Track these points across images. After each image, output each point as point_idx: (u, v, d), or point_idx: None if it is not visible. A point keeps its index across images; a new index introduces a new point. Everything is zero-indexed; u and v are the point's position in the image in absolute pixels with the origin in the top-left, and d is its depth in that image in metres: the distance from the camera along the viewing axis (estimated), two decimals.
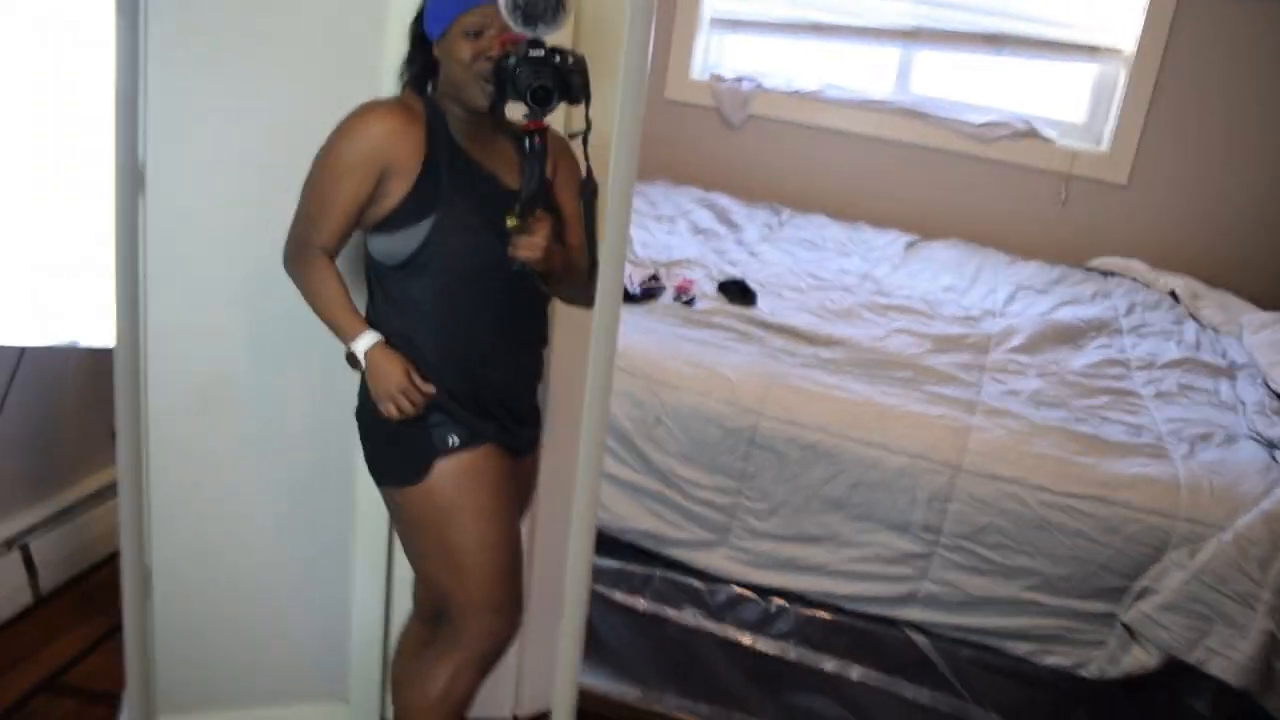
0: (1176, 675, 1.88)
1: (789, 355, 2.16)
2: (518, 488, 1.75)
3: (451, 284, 1.57)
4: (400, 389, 1.56)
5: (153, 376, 1.72)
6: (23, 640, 2.60)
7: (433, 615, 1.88)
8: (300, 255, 1.57)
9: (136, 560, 0.89)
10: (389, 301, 1.59)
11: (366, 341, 1.57)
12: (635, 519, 1.99)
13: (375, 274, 1.60)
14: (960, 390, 2.12)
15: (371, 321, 1.61)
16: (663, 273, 2.56)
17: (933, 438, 1.90)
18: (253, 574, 2.18)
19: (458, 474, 1.62)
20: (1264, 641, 1.75)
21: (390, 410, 1.57)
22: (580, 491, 1.00)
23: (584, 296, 1.64)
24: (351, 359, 1.58)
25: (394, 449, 1.64)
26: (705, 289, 2.51)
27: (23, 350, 2.41)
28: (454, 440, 1.60)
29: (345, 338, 1.58)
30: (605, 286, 1.25)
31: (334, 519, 2.12)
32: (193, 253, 1.75)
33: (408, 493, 1.63)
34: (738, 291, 2.51)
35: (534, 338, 1.70)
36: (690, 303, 2.41)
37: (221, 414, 2.02)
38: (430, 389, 1.58)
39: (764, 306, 2.45)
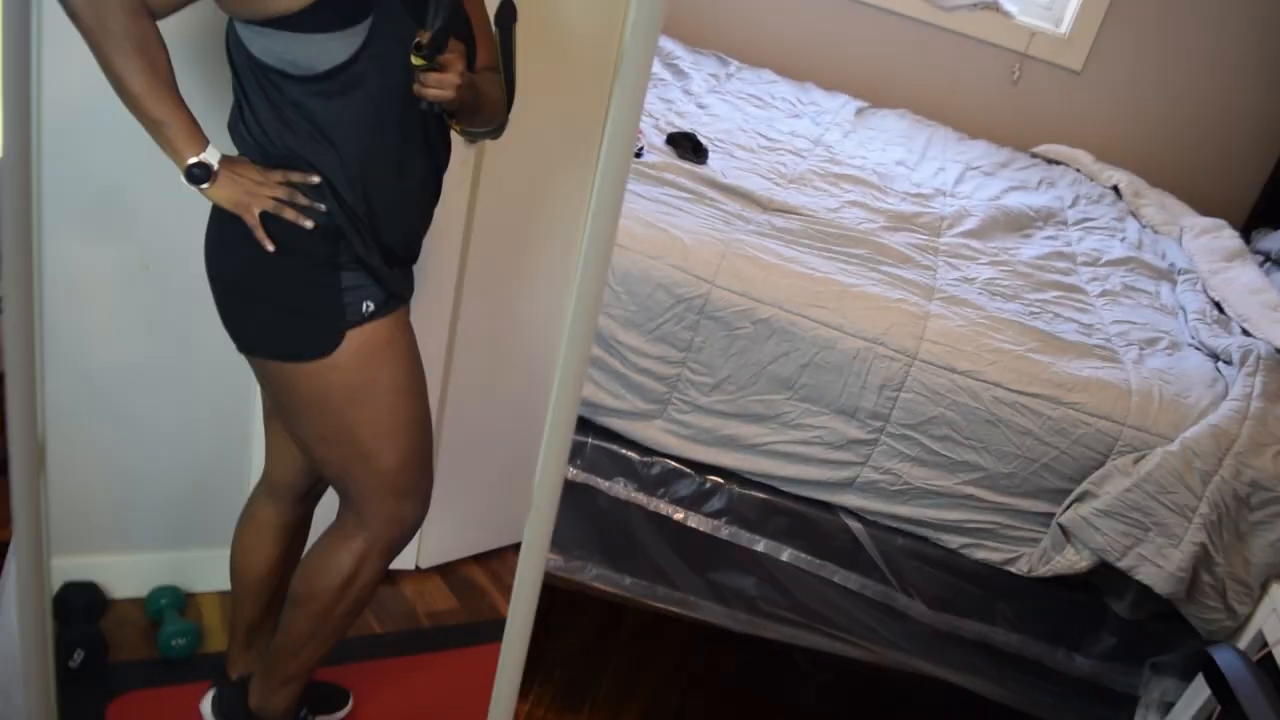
0: (1101, 577, 1.89)
1: (744, 222, 2.03)
2: None
3: (381, 107, 1.34)
4: (282, 195, 1.33)
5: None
6: None
7: (299, 496, 1.72)
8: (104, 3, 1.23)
9: (29, 437, 0.74)
10: (284, 122, 1.33)
11: (215, 151, 1.31)
12: None
13: (265, 85, 1.32)
14: (917, 274, 2.04)
15: (244, 145, 1.37)
16: None
17: (891, 322, 1.82)
18: (150, 416, 2.02)
19: (373, 346, 1.43)
20: (1195, 553, 1.75)
21: (263, 236, 1.33)
22: (561, 388, 0.88)
23: (494, 131, 1.47)
24: (197, 173, 1.31)
25: (287, 315, 1.41)
26: (653, 140, 2.35)
27: None
28: (369, 307, 1.41)
29: (182, 146, 1.30)
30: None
31: (239, 358, 1.96)
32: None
33: (307, 369, 1.41)
34: (689, 146, 2.36)
35: (442, 174, 1.50)
36: (638, 154, 2.25)
37: (119, 237, 1.82)
38: (320, 206, 1.35)
39: (715, 164, 2.30)
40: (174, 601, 2.10)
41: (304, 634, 1.66)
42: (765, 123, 2.74)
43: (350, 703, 2.02)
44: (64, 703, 1.85)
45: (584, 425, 1.91)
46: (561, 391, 0.88)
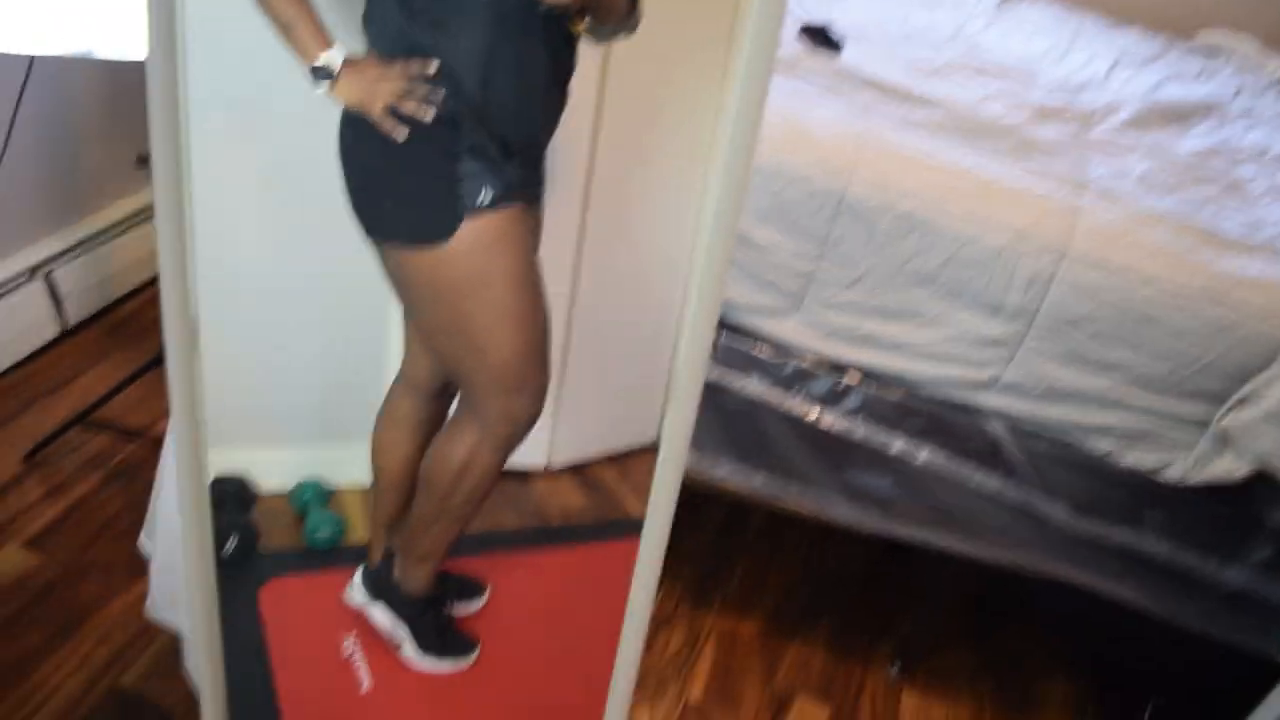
0: (1262, 485, 1.80)
1: (880, 114, 1.95)
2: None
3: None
4: (404, 89, 1.34)
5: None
6: (52, 372, 2.53)
7: (434, 391, 1.75)
8: None
9: (181, 314, 0.75)
10: (409, 12, 1.35)
11: (340, 51, 1.34)
12: None
13: None
14: (1067, 167, 1.93)
15: (373, 37, 1.38)
16: None
17: (1039, 217, 1.73)
18: (292, 314, 2.07)
19: (489, 236, 1.42)
20: None
21: (391, 127, 1.35)
22: (707, 260, 0.85)
23: (625, 29, 1.43)
24: (322, 74, 1.35)
25: (408, 202, 1.43)
26: (786, 32, 2.26)
27: (31, 61, 2.20)
28: (487, 195, 1.40)
29: (308, 46, 1.34)
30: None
31: (369, 253, 1.99)
32: None
33: (423, 256, 1.43)
34: (822, 38, 2.27)
35: (567, 77, 1.48)
36: None
37: (259, 140, 1.85)
38: (439, 93, 1.36)
39: (850, 56, 2.21)
40: (318, 495, 2.17)
41: (430, 516, 1.71)
42: (902, 14, 2.62)
43: (487, 593, 2.07)
44: (220, 585, 1.96)
45: (719, 322, 1.88)
46: (703, 292, 0.85)
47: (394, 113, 1.36)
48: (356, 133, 1.42)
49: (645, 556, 0.94)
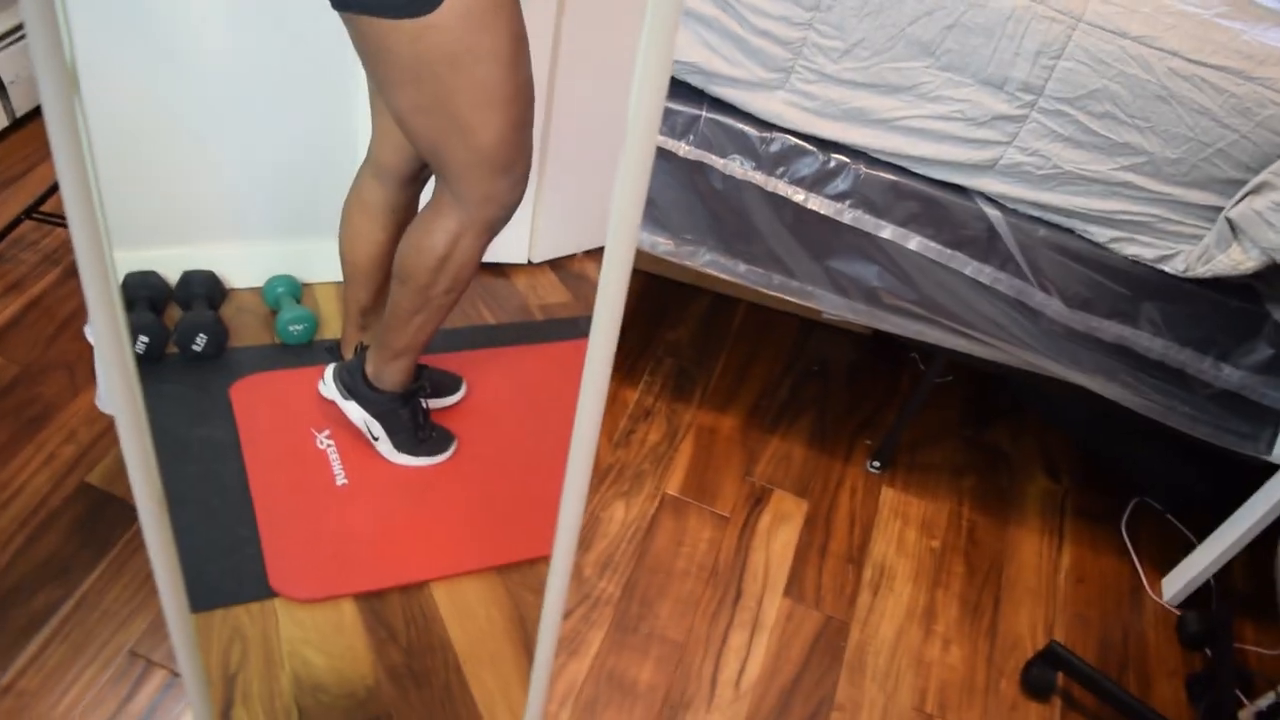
0: (1266, 281, 1.70)
1: None
2: None
3: None
4: None
5: None
6: (2, 165, 2.43)
7: (406, 177, 1.64)
8: None
9: (52, 47, 0.63)
10: None
11: None
12: (682, 49, 1.70)
13: None
14: None
15: None
16: None
17: None
18: (256, 105, 1.96)
19: (477, 9, 1.29)
20: None
21: None
22: (651, 31, 0.72)
23: None
24: None
25: None
26: None
27: None
28: None
29: None
30: None
31: (339, 39, 1.85)
32: None
33: (405, 28, 1.30)
34: None
35: None
36: None
37: None
38: None
39: None
40: (290, 290, 2.11)
41: (408, 310, 1.64)
42: None
43: (464, 389, 2.02)
44: (191, 382, 1.91)
45: (697, 96, 1.75)
46: (650, 45, 0.73)
47: None
48: None
49: (597, 341, 0.86)
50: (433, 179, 1.63)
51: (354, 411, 1.81)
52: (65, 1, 0.67)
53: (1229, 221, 1.63)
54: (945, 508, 2.14)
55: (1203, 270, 1.68)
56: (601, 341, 0.93)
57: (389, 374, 1.77)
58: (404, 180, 1.66)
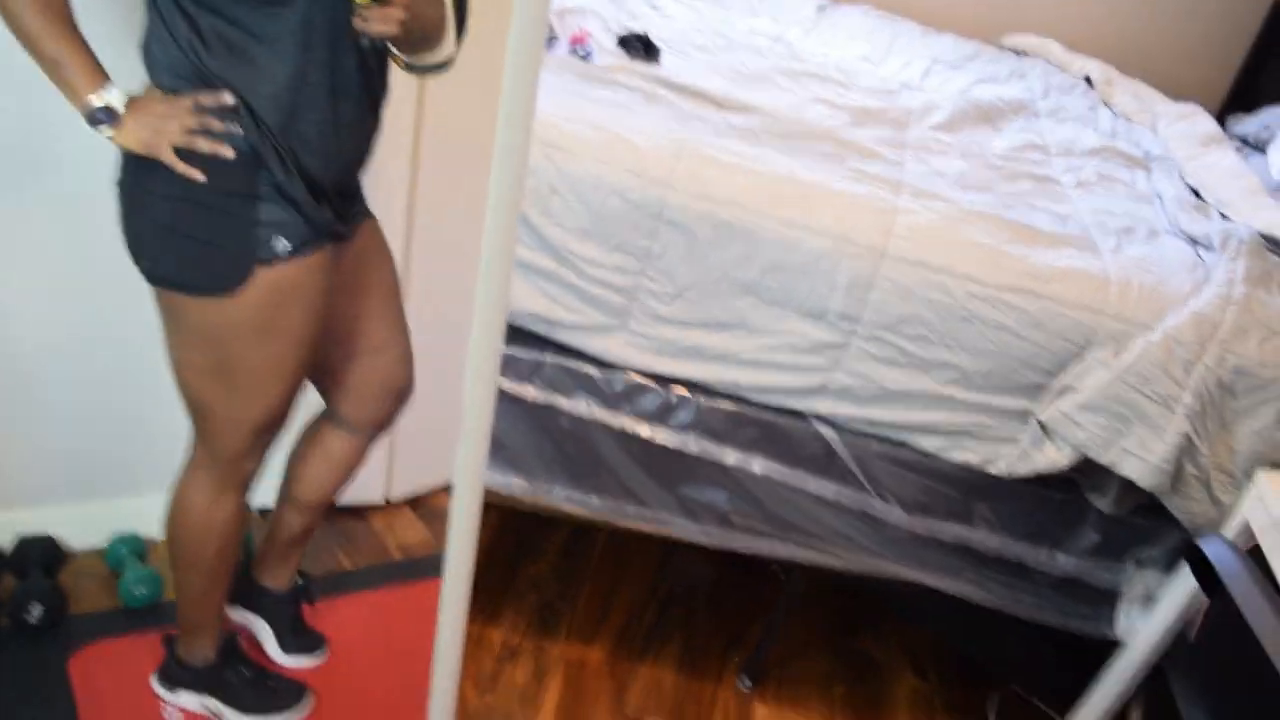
0: (1082, 473, 1.83)
1: (700, 121, 1.92)
2: (359, 269, 1.50)
3: (313, 23, 1.23)
4: (193, 124, 1.23)
5: None
6: None
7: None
8: None
9: None
10: (199, 37, 1.22)
11: (117, 90, 1.23)
12: (525, 300, 1.78)
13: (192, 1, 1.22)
14: (884, 168, 1.94)
15: (154, 68, 1.27)
16: (554, 21, 2.25)
17: (857, 218, 1.73)
18: (89, 362, 1.94)
19: (280, 289, 1.33)
20: (1179, 444, 1.69)
21: (185, 169, 1.23)
22: (487, 281, 0.79)
23: (441, 67, 1.38)
24: (101, 116, 1.23)
25: (196, 250, 1.30)
26: (603, 42, 2.22)
27: None
28: (284, 246, 1.30)
29: (81, 85, 1.22)
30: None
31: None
32: None
33: (204, 304, 1.32)
34: (640, 47, 2.24)
35: (380, 103, 1.40)
36: (586, 56, 2.13)
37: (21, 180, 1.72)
38: (236, 129, 1.25)
39: (669, 65, 2.19)
40: (134, 549, 2.04)
41: (197, 586, 1.64)
42: (722, 22, 2.62)
43: (325, 649, 1.96)
44: (25, 657, 1.80)
45: (542, 343, 1.83)
46: (487, 289, 0.79)
47: (185, 154, 1.25)
48: (138, 175, 1.30)
49: (450, 587, 0.88)
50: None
51: (188, 700, 1.75)
52: None
53: (1040, 423, 1.77)
54: (820, 719, 2.15)
55: (1024, 469, 1.80)
56: (456, 579, 0.94)
57: (196, 649, 1.72)
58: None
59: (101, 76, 1.24)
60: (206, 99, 1.24)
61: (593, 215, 1.71)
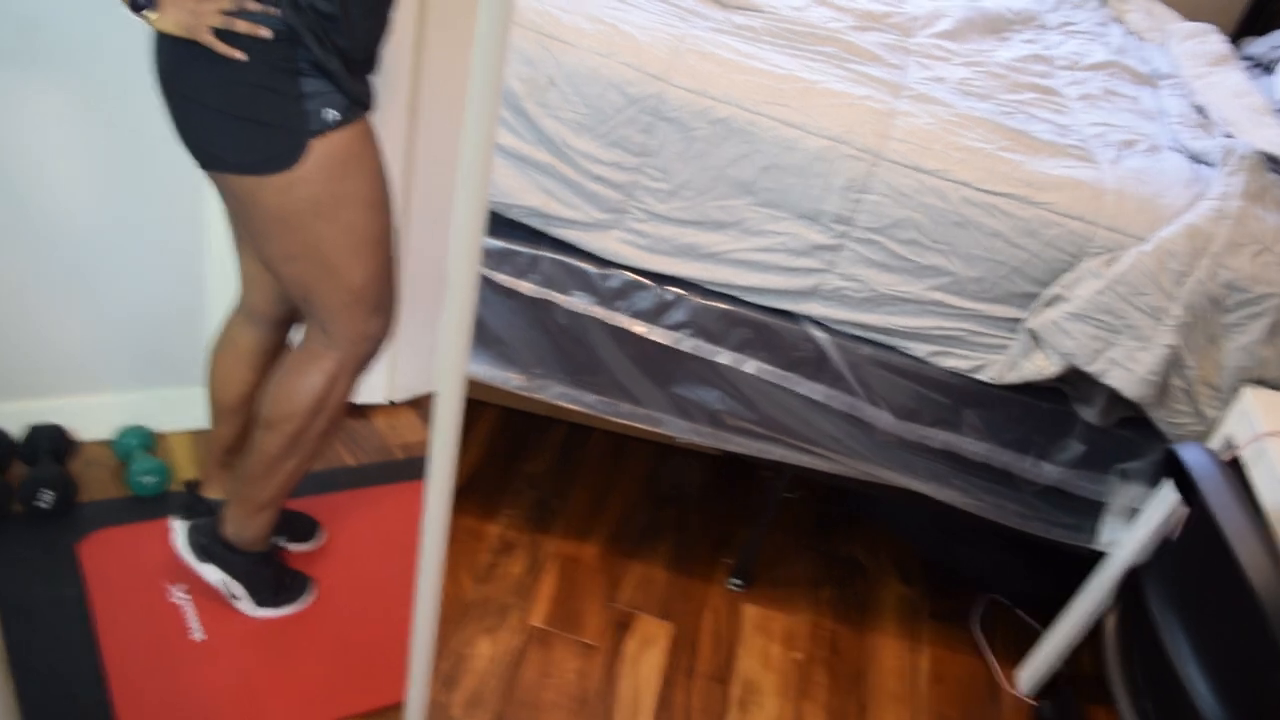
0: (1070, 383, 1.85)
1: (700, 18, 1.91)
2: None
3: None
4: (229, 5, 1.25)
5: None
6: None
7: (276, 320, 1.69)
8: None
9: None
10: None
11: None
12: (521, 194, 1.79)
13: None
14: (885, 71, 1.93)
15: None
16: None
17: (855, 120, 1.73)
18: (107, 255, 1.96)
19: (339, 157, 1.36)
20: (1166, 356, 1.71)
21: (225, 50, 1.25)
22: (467, 171, 0.80)
23: None
24: (142, 1, 1.25)
25: (248, 129, 1.33)
26: None
27: None
28: (333, 115, 1.33)
29: None
30: None
31: (188, 191, 1.90)
32: None
33: (270, 183, 1.35)
34: None
35: None
36: None
37: (38, 67, 1.72)
38: (273, 10, 1.27)
39: None
40: (143, 441, 2.09)
41: (277, 457, 1.64)
42: None
43: (322, 534, 2.01)
44: (37, 541, 1.86)
45: (538, 238, 1.84)
46: (466, 186, 0.80)
47: (224, 34, 1.27)
48: (179, 58, 1.31)
49: (435, 478, 0.91)
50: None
51: (212, 574, 1.77)
52: None
53: (1030, 332, 1.79)
54: (806, 620, 2.21)
55: (1012, 377, 1.82)
56: (440, 472, 0.97)
57: (251, 530, 1.74)
58: (276, 323, 1.70)
59: None
60: None
61: (590, 109, 1.72)
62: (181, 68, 1.32)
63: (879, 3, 2.31)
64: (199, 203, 1.91)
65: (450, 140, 2.13)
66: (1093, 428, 1.88)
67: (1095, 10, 2.75)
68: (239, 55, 1.27)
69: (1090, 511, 1.98)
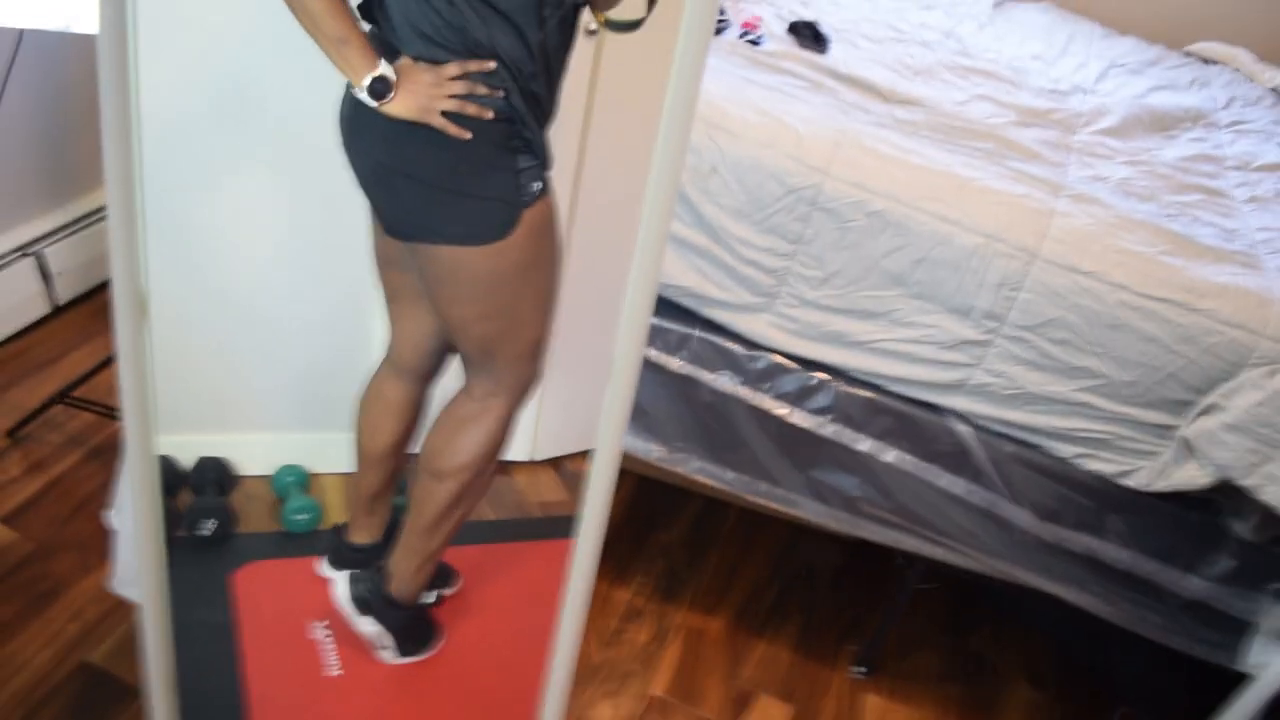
0: (1223, 495, 1.80)
1: (862, 112, 1.95)
2: None
3: None
4: (461, 90, 1.33)
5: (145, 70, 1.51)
6: (40, 349, 2.56)
7: (423, 374, 1.78)
8: None
9: (130, 282, 0.76)
10: (468, 15, 1.32)
11: (386, 64, 1.32)
12: (678, 275, 1.85)
13: None
14: (1045, 170, 1.93)
15: (406, 43, 1.36)
16: (728, 6, 2.31)
17: (1012, 218, 1.73)
18: (277, 303, 2.09)
19: (540, 224, 1.47)
20: None
21: (456, 131, 1.34)
22: (641, 258, 0.86)
23: (635, 24, 1.45)
24: (379, 88, 1.32)
25: (471, 201, 1.41)
26: (774, 29, 2.27)
27: (20, 37, 2.22)
28: (538, 186, 1.44)
29: (360, 62, 1.31)
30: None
31: (355, 245, 2.00)
32: None
33: (482, 250, 1.44)
34: (809, 35, 2.27)
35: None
36: (756, 42, 2.18)
37: (229, 118, 1.86)
38: (499, 92, 1.36)
39: (837, 54, 2.21)
40: (298, 480, 2.20)
41: (450, 506, 1.71)
42: (895, 13, 2.62)
43: (459, 580, 2.08)
44: (195, 567, 1.97)
45: (690, 317, 1.89)
46: (641, 264, 0.85)
47: (452, 115, 1.35)
48: (400, 138, 1.39)
49: (582, 545, 0.95)
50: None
51: (368, 626, 1.83)
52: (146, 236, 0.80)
53: (1184, 440, 1.74)
54: (929, 715, 2.17)
55: (1162, 485, 1.78)
56: (589, 536, 1.01)
57: (415, 585, 1.81)
58: (422, 377, 1.80)
59: (376, 54, 1.33)
60: (472, 65, 1.34)
61: (749, 196, 1.77)
62: (403, 147, 1.40)
63: (1042, 99, 2.31)
64: (362, 260, 2.02)
65: (607, 214, 2.20)
66: (1245, 543, 1.82)
67: (1271, 109, 2.68)
68: (465, 135, 1.36)
69: (1238, 630, 1.90)
